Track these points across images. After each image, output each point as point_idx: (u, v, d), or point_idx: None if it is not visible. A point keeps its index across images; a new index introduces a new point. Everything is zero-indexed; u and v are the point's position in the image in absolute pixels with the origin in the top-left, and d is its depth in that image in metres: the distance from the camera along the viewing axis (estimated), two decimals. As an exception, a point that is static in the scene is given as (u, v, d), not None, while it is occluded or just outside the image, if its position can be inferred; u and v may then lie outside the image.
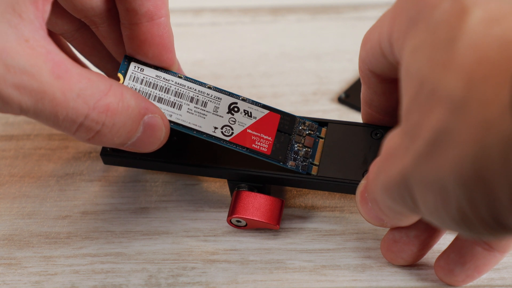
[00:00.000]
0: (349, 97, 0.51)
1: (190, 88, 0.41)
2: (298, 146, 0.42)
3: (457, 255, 0.38)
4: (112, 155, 0.43)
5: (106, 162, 0.43)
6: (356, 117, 0.50)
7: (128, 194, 0.45)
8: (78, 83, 0.34)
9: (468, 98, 0.26)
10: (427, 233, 0.39)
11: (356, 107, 0.50)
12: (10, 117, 0.50)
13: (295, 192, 0.45)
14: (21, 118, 0.50)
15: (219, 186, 0.45)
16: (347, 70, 0.53)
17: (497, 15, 0.27)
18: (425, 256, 0.41)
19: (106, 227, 0.44)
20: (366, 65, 0.37)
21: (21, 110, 0.33)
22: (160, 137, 0.39)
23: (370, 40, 0.36)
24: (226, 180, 0.44)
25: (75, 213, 0.44)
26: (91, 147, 0.48)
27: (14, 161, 0.47)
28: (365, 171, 0.40)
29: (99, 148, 0.47)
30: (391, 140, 0.32)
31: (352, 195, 0.44)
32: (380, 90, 0.38)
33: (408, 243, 0.39)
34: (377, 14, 0.57)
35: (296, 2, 0.58)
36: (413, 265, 0.41)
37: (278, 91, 0.52)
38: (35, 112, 0.34)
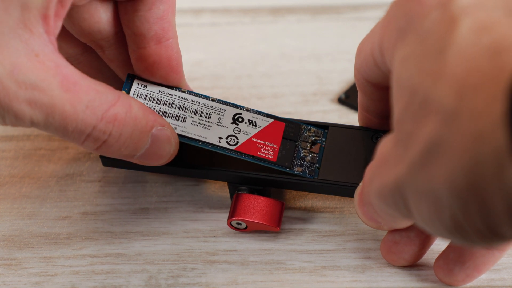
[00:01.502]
0: (349, 98, 0.51)
1: (194, 101, 0.42)
2: (304, 152, 0.42)
3: (456, 255, 0.38)
4: (110, 158, 0.42)
5: (105, 164, 0.43)
6: (356, 117, 0.50)
7: (128, 194, 0.45)
8: (87, 95, 0.35)
9: (459, 109, 0.26)
10: (427, 232, 0.39)
11: (356, 107, 0.50)
12: (10, 118, 0.50)
13: (295, 193, 0.45)
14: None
15: (219, 187, 0.45)
16: (347, 71, 0.53)
17: (486, 24, 0.27)
18: (425, 257, 0.41)
19: (106, 228, 0.44)
20: (360, 74, 0.37)
21: (32, 124, 0.34)
22: (169, 150, 0.39)
23: (363, 50, 0.36)
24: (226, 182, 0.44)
25: (75, 213, 0.44)
26: (91, 147, 0.48)
27: (14, 161, 0.47)
28: None
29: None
30: (385, 146, 0.32)
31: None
32: (376, 97, 0.38)
33: (409, 243, 0.39)
34: (377, 14, 0.57)
35: (296, 2, 0.58)
36: (413, 265, 0.41)
37: (278, 92, 0.52)
38: (46, 125, 0.34)
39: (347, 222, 0.43)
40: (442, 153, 0.27)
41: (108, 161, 0.43)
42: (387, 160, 0.31)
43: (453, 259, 0.39)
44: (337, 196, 0.45)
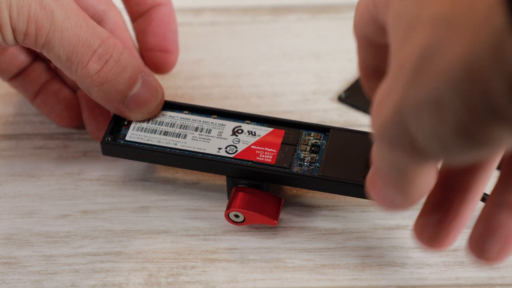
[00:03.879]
0: (349, 97, 0.51)
1: (195, 120, 0.44)
2: (304, 153, 0.42)
3: (484, 227, 0.37)
4: (112, 144, 0.43)
5: (105, 152, 0.43)
6: (356, 116, 0.50)
7: (128, 193, 0.45)
8: (92, 20, 0.41)
9: (453, 13, 0.27)
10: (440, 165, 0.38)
11: (356, 106, 0.50)
12: (10, 117, 0.50)
13: (295, 191, 0.45)
14: (21, 118, 0.50)
15: (219, 185, 0.45)
16: (347, 70, 0.53)
17: None
18: (425, 255, 0.41)
19: (106, 226, 0.44)
20: (358, 30, 0.38)
21: (51, 23, 0.39)
22: (158, 95, 0.43)
23: (359, 6, 0.36)
24: (226, 179, 0.44)
25: (75, 212, 0.44)
26: (90, 146, 0.48)
27: (14, 160, 0.47)
28: (367, 174, 0.40)
29: (98, 148, 0.47)
30: (380, 89, 0.32)
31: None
32: (374, 52, 0.38)
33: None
34: (377, 13, 0.57)
35: (296, 2, 0.58)
36: (412, 264, 0.41)
37: (278, 91, 0.52)
38: (61, 30, 0.39)
39: (347, 220, 0.43)
40: (437, 54, 0.27)
41: (108, 150, 0.43)
42: (384, 97, 0.31)
43: (481, 232, 0.37)
44: (337, 195, 0.44)
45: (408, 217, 0.43)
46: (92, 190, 0.45)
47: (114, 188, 0.46)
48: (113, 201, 0.45)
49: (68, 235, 0.43)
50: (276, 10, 0.58)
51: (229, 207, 0.42)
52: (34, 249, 0.43)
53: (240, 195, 0.42)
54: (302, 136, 0.43)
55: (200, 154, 0.42)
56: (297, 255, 0.42)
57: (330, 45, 0.55)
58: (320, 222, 0.43)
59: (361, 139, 0.42)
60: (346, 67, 0.53)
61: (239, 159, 0.42)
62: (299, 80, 0.52)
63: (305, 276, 0.41)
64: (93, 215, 0.44)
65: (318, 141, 0.43)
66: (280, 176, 0.42)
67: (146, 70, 0.43)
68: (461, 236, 0.42)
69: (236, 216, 0.42)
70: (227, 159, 0.42)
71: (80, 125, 0.49)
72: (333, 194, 0.44)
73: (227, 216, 0.42)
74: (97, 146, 0.48)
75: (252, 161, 0.42)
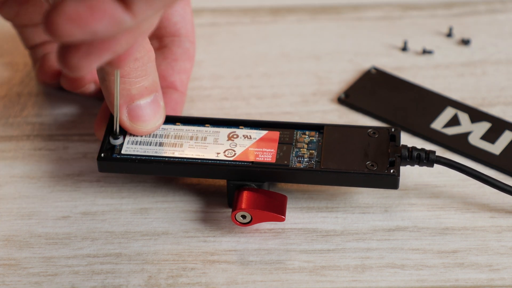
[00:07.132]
0: (348, 98, 0.51)
1: (189, 130, 0.44)
2: (302, 150, 0.43)
3: None
4: (108, 159, 0.43)
5: (102, 169, 0.44)
6: (356, 117, 0.50)
7: (128, 194, 0.45)
8: None
9: None
10: None
11: (356, 107, 0.50)
12: (10, 118, 0.50)
13: (295, 191, 0.45)
14: (21, 119, 0.50)
15: (219, 187, 0.45)
16: (347, 71, 0.53)
17: None
18: (425, 257, 0.41)
19: (106, 228, 0.44)
20: None
21: None
22: (158, 119, 0.43)
23: None
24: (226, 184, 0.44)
25: (75, 213, 0.44)
26: (90, 148, 0.48)
27: (14, 161, 0.47)
28: (367, 162, 0.42)
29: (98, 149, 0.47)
30: None
31: (351, 194, 0.44)
32: None
33: None
34: (377, 14, 0.57)
35: (296, 2, 0.58)
36: (412, 266, 0.41)
37: (277, 92, 0.52)
38: None
39: (347, 221, 0.43)
40: None
41: (105, 166, 0.43)
42: None
43: None
44: (337, 196, 0.45)
45: (408, 219, 0.43)
46: (92, 192, 0.45)
47: (114, 189, 0.46)
48: (113, 202, 0.45)
49: (68, 236, 0.43)
50: (276, 11, 0.58)
51: (235, 208, 0.42)
52: (34, 250, 0.43)
53: (245, 195, 0.42)
54: (298, 136, 0.44)
55: (200, 160, 0.42)
56: (296, 257, 0.42)
57: (329, 46, 0.55)
58: (320, 223, 0.43)
59: (356, 132, 0.44)
60: (346, 68, 0.53)
61: (239, 161, 0.42)
62: (299, 81, 0.52)
63: (304, 277, 0.41)
64: (93, 216, 0.44)
65: (313, 138, 0.44)
66: (283, 173, 0.42)
67: (161, 93, 0.44)
68: (461, 237, 0.43)
69: (243, 216, 0.42)
70: (227, 162, 0.42)
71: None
72: (333, 195, 0.45)
73: (234, 218, 0.42)
74: (97, 147, 0.48)
75: (252, 162, 0.42)
